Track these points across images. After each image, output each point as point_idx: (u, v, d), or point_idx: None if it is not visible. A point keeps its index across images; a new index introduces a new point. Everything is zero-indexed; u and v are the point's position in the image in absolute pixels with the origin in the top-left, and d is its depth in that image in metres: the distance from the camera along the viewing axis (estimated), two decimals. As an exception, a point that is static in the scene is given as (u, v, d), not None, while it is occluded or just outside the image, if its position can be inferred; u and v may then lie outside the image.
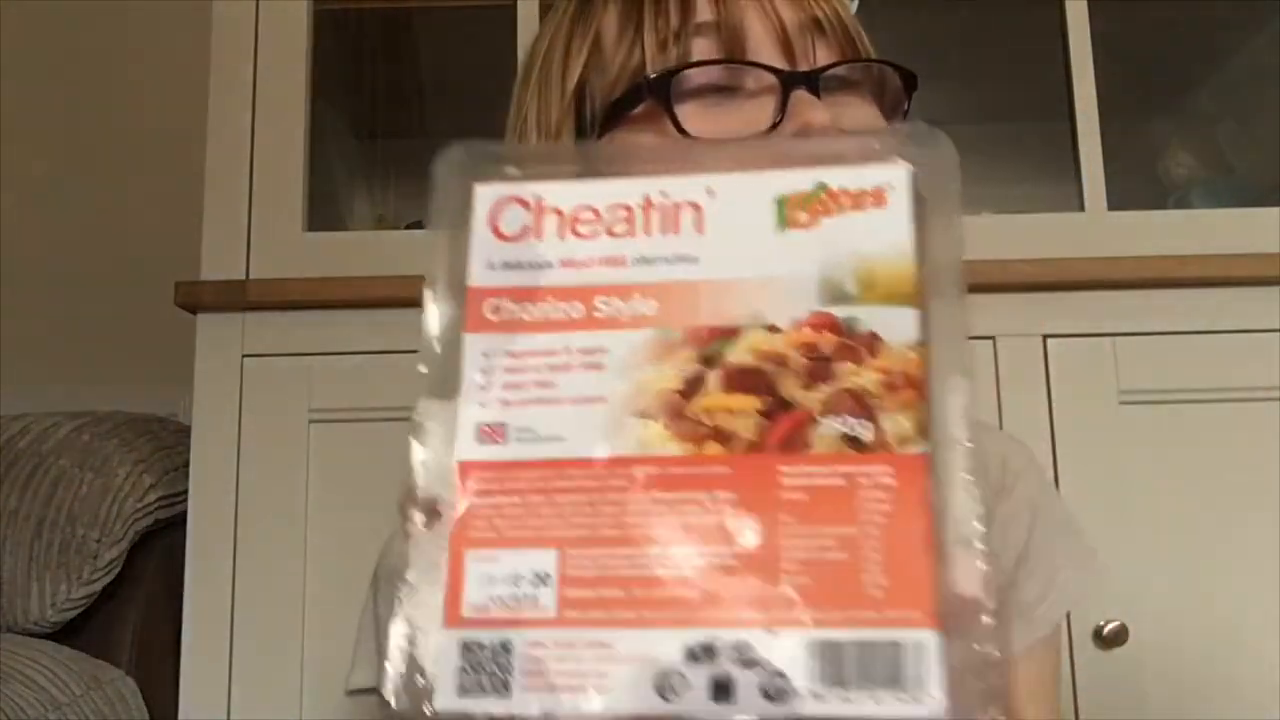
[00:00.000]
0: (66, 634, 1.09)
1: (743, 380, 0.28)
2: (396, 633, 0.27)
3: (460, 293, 0.32)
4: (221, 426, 1.09)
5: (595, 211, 0.30)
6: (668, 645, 0.26)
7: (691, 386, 0.28)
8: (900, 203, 0.29)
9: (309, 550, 1.08)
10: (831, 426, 0.27)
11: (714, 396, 0.28)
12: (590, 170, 0.31)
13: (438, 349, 0.32)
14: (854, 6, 1.18)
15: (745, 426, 0.28)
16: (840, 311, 0.29)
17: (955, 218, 0.30)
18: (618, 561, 0.27)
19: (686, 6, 0.52)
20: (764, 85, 0.51)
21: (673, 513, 0.27)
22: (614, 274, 0.30)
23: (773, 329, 0.29)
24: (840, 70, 0.53)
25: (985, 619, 0.26)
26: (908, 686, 0.25)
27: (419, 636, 0.27)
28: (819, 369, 0.28)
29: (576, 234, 0.30)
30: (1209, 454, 1.08)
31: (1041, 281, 1.10)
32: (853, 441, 0.27)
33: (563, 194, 0.30)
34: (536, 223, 0.31)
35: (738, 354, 0.28)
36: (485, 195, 0.31)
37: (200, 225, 1.13)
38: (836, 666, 0.25)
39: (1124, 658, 1.03)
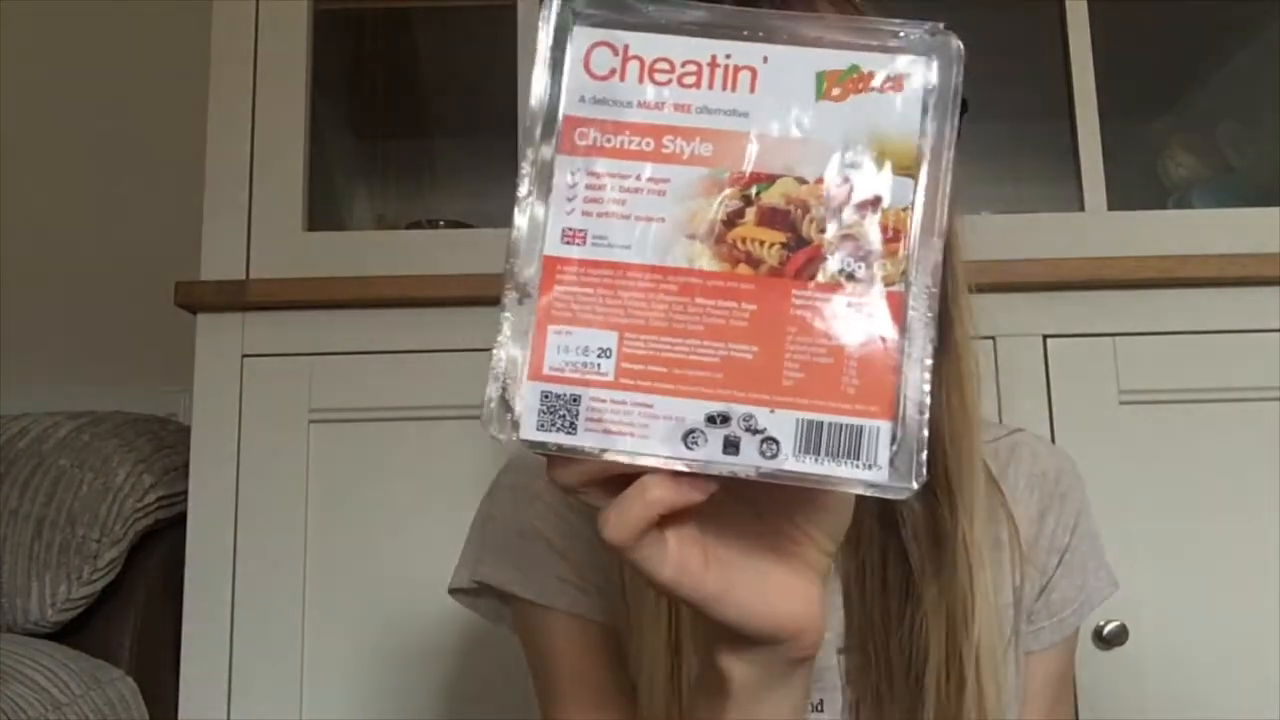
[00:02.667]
0: (66, 634, 1.09)
1: (772, 218, 0.36)
2: (493, 380, 0.35)
3: (555, 120, 0.37)
4: (221, 426, 1.09)
5: (670, 63, 0.37)
6: (694, 410, 0.35)
7: (732, 218, 0.36)
8: (915, 91, 0.36)
9: (309, 550, 1.08)
10: (835, 262, 0.35)
11: (748, 228, 0.36)
12: (670, 22, 0.37)
13: (537, 156, 0.37)
14: (854, 6, 1.18)
15: (770, 254, 0.36)
16: (854, 173, 0.36)
17: (955, 107, 0.37)
18: (663, 345, 0.35)
19: None
20: None
21: (707, 314, 0.35)
22: (680, 118, 0.36)
23: (801, 180, 0.36)
24: None
25: (924, 413, 0.35)
26: (863, 459, 0.34)
27: (509, 384, 0.35)
28: (832, 215, 0.36)
29: (654, 80, 0.37)
30: (1209, 454, 1.08)
31: (1041, 281, 1.10)
32: (849, 276, 0.35)
33: (645, 45, 0.37)
34: (622, 67, 0.37)
35: (771, 196, 0.36)
36: (581, 36, 0.37)
37: (200, 225, 1.13)
38: (815, 439, 0.34)
39: (1124, 658, 1.03)
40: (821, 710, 0.61)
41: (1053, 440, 1.07)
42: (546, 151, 0.37)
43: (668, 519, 0.37)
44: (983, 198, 1.54)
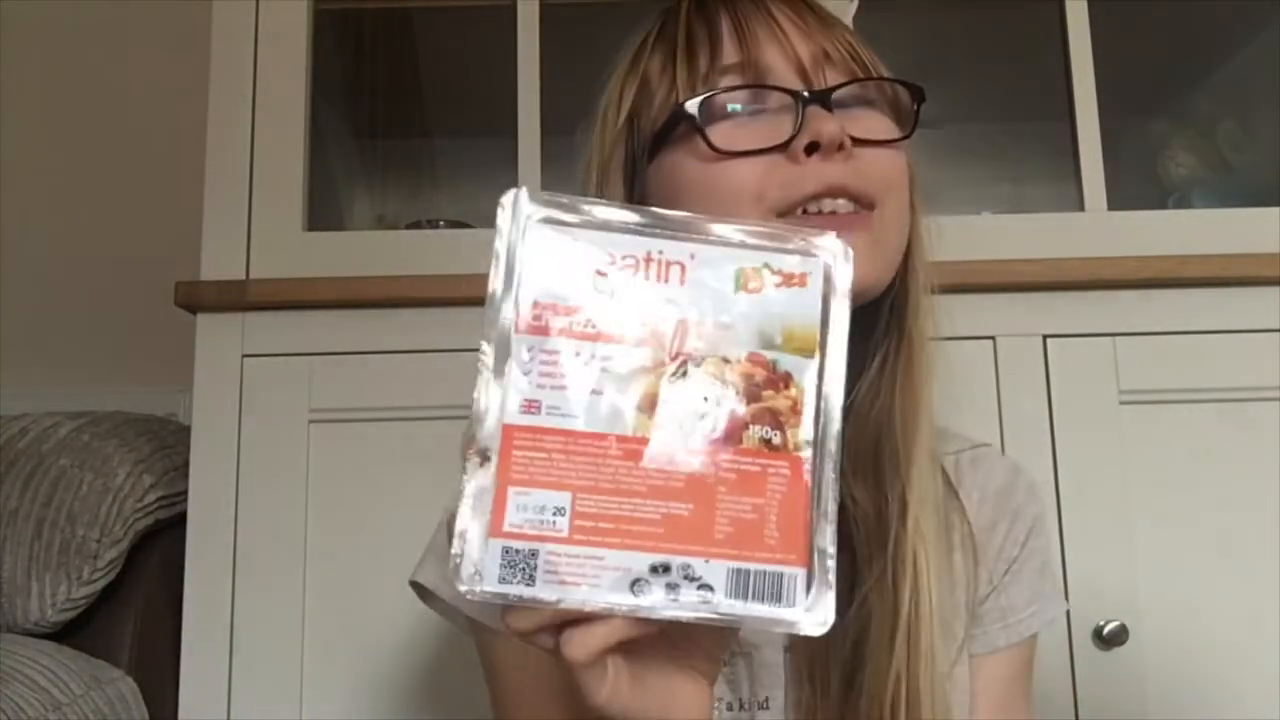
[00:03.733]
0: (66, 634, 1.09)
1: None
2: (458, 538, 0.39)
3: (516, 303, 0.42)
4: (221, 426, 1.09)
5: (613, 256, 0.42)
6: (640, 562, 0.40)
7: None
8: (816, 286, 0.43)
9: (309, 550, 1.08)
10: (756, 431, 0.41)
11: None
12: (614, 225, 0.43)
13: (499, 333, 0.42)
14: (853, 9, 1.18)
15: None
16: (769, 355, 0.42)
17: (846, 300, 0.44)
18: (611, 504, 0.40)
19: (715, 51, 0.61)
20: (783, 104, 0.59)
21: (649, 476, 0.40)
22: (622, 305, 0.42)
23: (725, 360, 0.42)
24: (852, 89, 0.60)
25: (832, 561, 0.41)
26: (784, 600, 0.40)
27: (471, 539, 0.39)
28: (752, 391, 0.42)
29: (599, 272, 0.42)
30: (1209, 454, 1.08)
31: (1041, 281, 1.10)
32: (767, 443, 0.41)
33: (593, 243, 0.42)
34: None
35: (701, 373, 0.42)
36: (541, 234, 0.42)
37: (200, 225, 1.13)
38: (744, 585, 0.40)
39: (1124, 658, 1.03)
40: (767, 708, 0.64)
41: (1053, 440, 1.07)
42: (506, 332, 0.41)
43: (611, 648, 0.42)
44: (983, 198, 1.54)
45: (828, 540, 0.41)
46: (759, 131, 0.59)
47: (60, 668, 1.00)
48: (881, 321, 0.64)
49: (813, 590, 0.40)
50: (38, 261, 1.64)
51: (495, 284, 0.42)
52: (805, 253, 0.43)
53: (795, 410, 0.41)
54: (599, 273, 0.42)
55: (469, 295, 1.07)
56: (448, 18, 1.41)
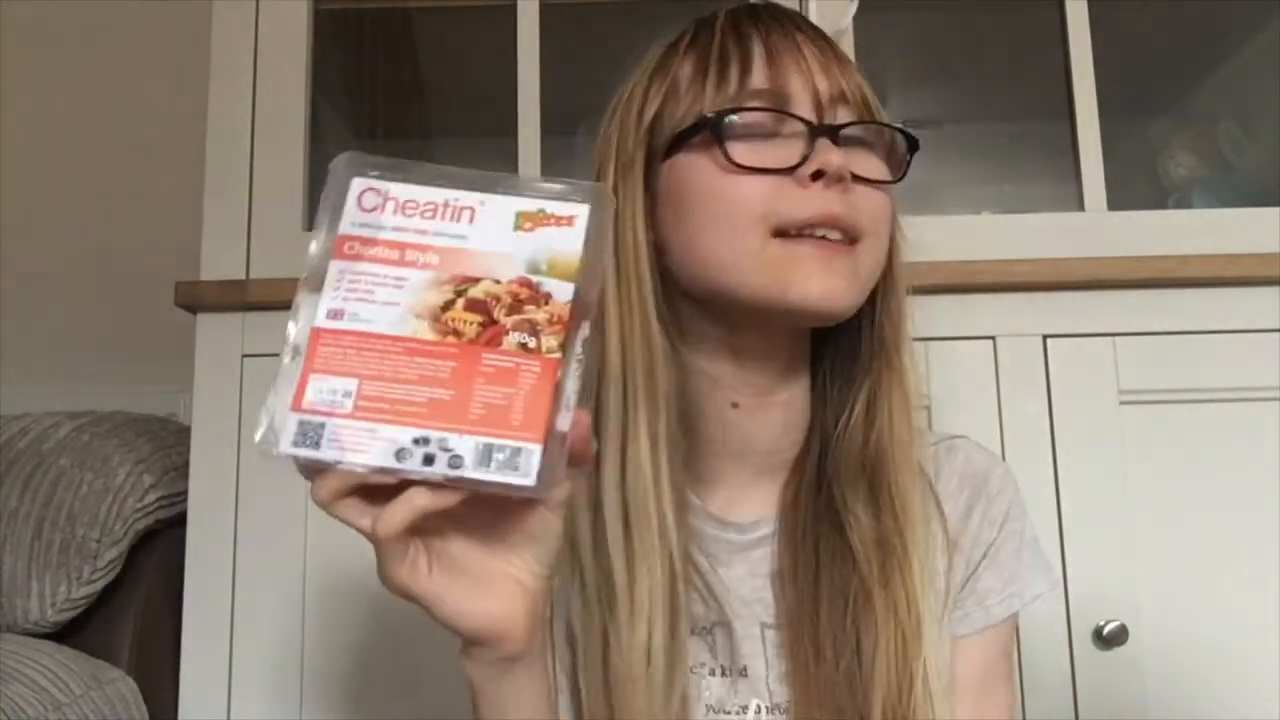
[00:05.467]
0: (66, 634, 1.09)
1: (474, 306, 0.50)
2: (265, 411, 0.49)
3: (334, 236, 0.52)
4: (221, 426, 1.09)
5: (416, 204, 0.52)
6: (405, 435, 0.48)
7: (447, 305, 0.50)
8: (581, 227, 0.52)
9: (309, 550, 1.08)
10: (515, 337, 0.50)
11: (457, 312, 0.50)
12: (422, 179, 0.53)
13: (317, 264, 0.52)
14: (853, 9, 1.18)
15: (470, 330, 0.50)
16: (535, 278, 0.51)
17: (606, 240, 0.54)
18: (388, 389, 0.49)
19: (745, 72, 0.66)
20: (797, 132, 0.65)
21: (422, 369, 0.49)
22: (418, 238, 0.52)
23: (497, 281, 0.51)
24: (856, 130, 0.67)
25: (565, 443, 0.48)
26: (520, 470, 0.48)
27: (277, 415, 0.49)
28: (516, 306, 0.50)
29: (404, 214, 0.52)
30: (1209, 454, 1.08)
31: (1041, 281, 1.10)
32: (524, 347, 0.50)
33: (400, 191, 0.53)
34: (383, 204, 0.53)
35: (475, 292, 0.51)
36: (357, 184, 0.53)
37: (200, 225, 1.13)
38: (488, 456, 0.48)
39: (1124, 658, 1.03)
40: (746, 676, 0.70)
41: (1053, 440, 1.07)
42: (325, 258, 0.51)
43: (417, 529, 0.50)
44: (983, 198, 1.54)
45: (567, 424, 0.49)
46: (772, 153, 0.64)
47: (60, 668, 1.00)
48: (864, 355, 0.71)
49: (544, 461, 0.47)
50: (38, 261, 1.64)
51: (320, 223, 0.52)
52: (573, 199, 0.52)
53: (552, 322, 0.50)
54: (405, 214, 0.52)
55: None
56: (448, 18, 1.41)
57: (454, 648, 0.79)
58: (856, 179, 0.65)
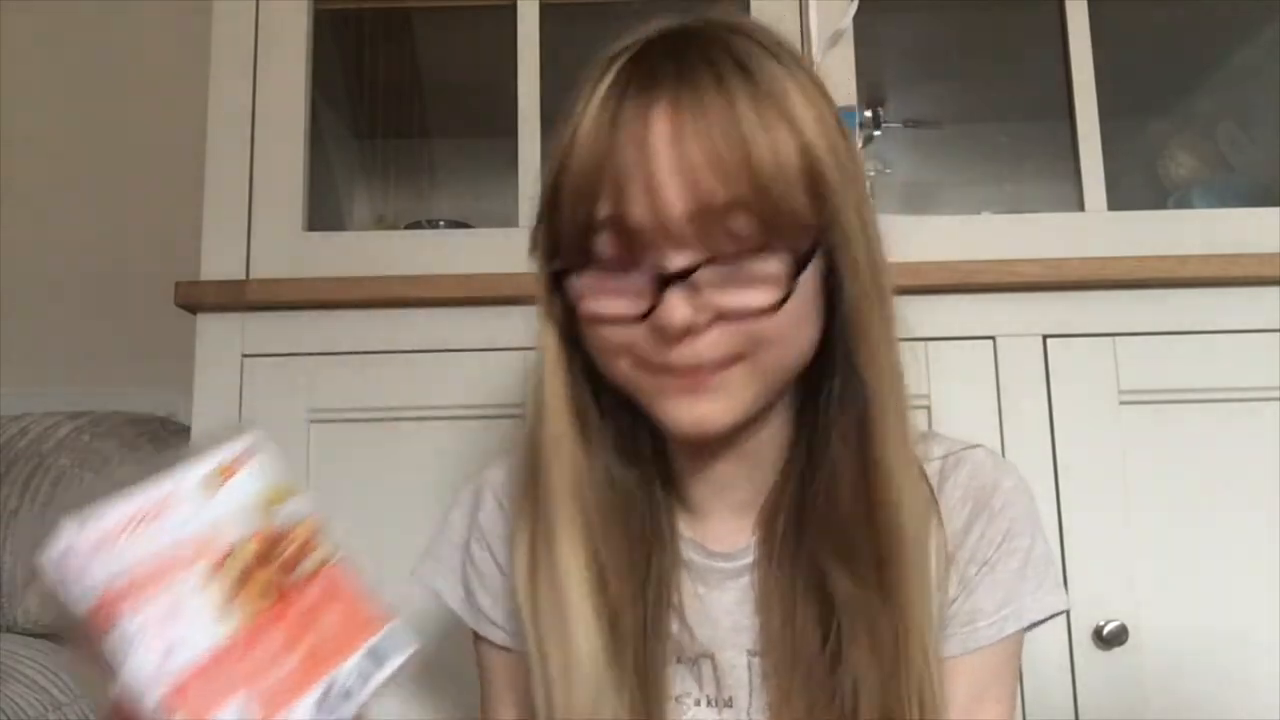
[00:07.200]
0: (66, 634, 1.09)
1: (248, 576, 0.49)
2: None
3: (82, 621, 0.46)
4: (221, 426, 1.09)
5: (110, 532, 0.47)
6: (315, 692, 0.48)
7: (233, 591, 0.48)
8: (259, 451, 0.52)
9: (309, 550, 1.08)
10: (289, 579, 0.50)
11: (244, 590, 0.48)
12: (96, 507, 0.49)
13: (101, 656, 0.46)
14: (853, 9, 1.18)
15: (266, 593, 0.49)
16: (262, 525, 0.50)
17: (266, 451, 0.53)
18: (268, 678, 0.47)
19: (593, 197, 0.59)
20: (646, 279, 0.59)
21: (270, 645, 0.48)
22: (154, 557, 0.47)
23: (229, 554, 0.49)
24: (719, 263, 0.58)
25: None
26: (403, 642, 0.54)
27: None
28: (272, 549, 0.50)
29: (108, 550, 0.47)
30: (1209, 454, 1.08)
31: (1041, 281, 1.10)
32: (304, 577, 0.50)
33: (91, 534, 0.48)
34: (87, 557, 0.47)
35: (238, 563, 0.49)
36: (46, 566, 0.47)
37: (200, 225, 1.13)
38: (378, 653, 0.53)
39: (1124, 658, 1.03)
40: (731, 706, 0.68)
41: (1053, 440, 1.07)
42: (97, 639, 0.46)
43: None
44: (983, 198, 1.54)
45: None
46: (624, 296, 0.60)
47: (60, 667, 1.00)
48: (837, 398, 0.64)
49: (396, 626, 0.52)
50: (37, 261, 1.64)
51: (65, 622, 0.47)
52: (228, 439, 0.52)
53: (306, 544, 0.51)
54: (113, 553, 0.47)
55: (469, 295, 1.08)
56: (448, 18, 1.41)
57: (459, 648, 0.78)
58: (724, 315, 0.59)
